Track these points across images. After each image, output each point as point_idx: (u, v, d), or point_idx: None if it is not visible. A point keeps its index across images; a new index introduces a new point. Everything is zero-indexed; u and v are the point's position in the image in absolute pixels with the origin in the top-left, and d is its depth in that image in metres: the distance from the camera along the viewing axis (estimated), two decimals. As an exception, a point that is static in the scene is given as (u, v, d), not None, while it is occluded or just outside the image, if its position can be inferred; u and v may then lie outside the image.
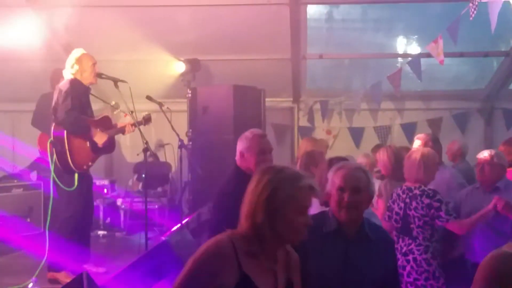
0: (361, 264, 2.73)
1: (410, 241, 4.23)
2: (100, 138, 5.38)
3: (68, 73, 5.39)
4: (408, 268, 4.16)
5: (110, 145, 5.61)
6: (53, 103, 5.33)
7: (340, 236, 2.79)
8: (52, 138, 5.17)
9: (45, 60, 7.16)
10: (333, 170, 2.85)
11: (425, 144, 5.11)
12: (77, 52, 5.48)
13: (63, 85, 5.31)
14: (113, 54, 7.52)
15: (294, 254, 2.31)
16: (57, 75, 5.76)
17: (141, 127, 5.70)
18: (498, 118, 8.79)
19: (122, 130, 5.66)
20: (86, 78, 5.42)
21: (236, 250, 2.07)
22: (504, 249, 1.82)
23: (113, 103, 5.87)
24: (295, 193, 2.09)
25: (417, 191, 4.24)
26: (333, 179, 2.80)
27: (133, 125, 5.54)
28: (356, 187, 2.75)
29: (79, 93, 5.29)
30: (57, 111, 5.22)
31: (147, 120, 5.70)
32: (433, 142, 5.20)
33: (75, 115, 5.16)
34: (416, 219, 4.19)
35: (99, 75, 5.57)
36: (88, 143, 5.34)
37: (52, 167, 5.18)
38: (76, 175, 5.20)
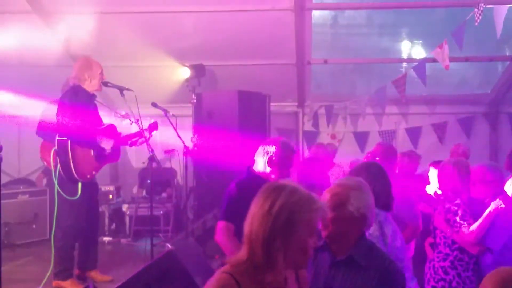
0: (342, 286, 2.65)
1: (435, 247, 4.25)
2: (106, 145, 5.38)
3: (75, 80, 5.39)
4: (428, 275, 4.17)
5: (115, 154, 5.60)
6: (57, 114, 5.33)
7: (328, 254, 2.74)
8: (56, 147, 5.15)
9: (50, 66, 7.18)
10: None
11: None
12: (86, 59, 5.50)
13: (65, 94, 5.32)
14: (119, 61, 7.54)
15: (302, 270, 2.27)
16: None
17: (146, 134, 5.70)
18: (504, 123, 8.77)
19: (130, 142, 5.63)
20: (94, 85, 5.43)
21: (240, 286, 1.99)
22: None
23: (123, 113, 5.83)
24: (310, 216, 2.04)
25: (442, 197, 4.30)
26: None
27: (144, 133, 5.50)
28: (330, 204, 2.67)
29: (81, 101, 5.28)
30: (61, 123, 5.21)
31: (152, 128, 5.67)
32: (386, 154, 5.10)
33: (79, 127, 5.14)
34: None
35: (105, 84, 5.57)
36: (92, 152, 5.32)
37: (55, 176, 5.16)
38: (79, 185, 5.18)
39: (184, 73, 7.84)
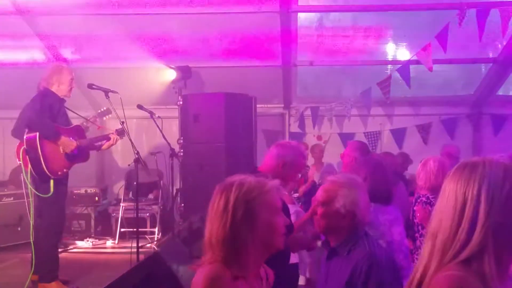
0: (333, 276, 2.81)
1: (415, 250, 4.26)
2: (67, 146, 5.36)
3: (44, 82, 5.41)
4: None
5: (84, 155, 5.61)
6: (26, 111, 5.33)
7: (327, 246, 2.92)
8: (25, 146, 5.13)
9: (34, 68, 7.14)
10: None
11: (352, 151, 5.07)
12: (58, 64, 5.52)
13: (35, 96, 5.32)
14: (104, 62, 7.53)
15: (269, 270, 2.27)
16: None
17: (132, 135, 5.73)
18: (486, 124, 8.86)
19: (97, 144, 5.69)
20: (62, 90, 5.43)
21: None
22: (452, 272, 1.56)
23: (104, 108, 5.90)
24: (265, 198, 2.07)
25: (423, 199, 4.25)
26: None
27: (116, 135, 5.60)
28: (319, 199, 2.88)
29: (49, 101, 5.28)
30: (28, 117, 5.20)
31: (120, 133, 5.71)
32: (361, 151, 5.11)
33: (42, 117, 5.14)
34: (420, 227, 4.23)
35: (90, 86, 5.58)
36: (61, 149, 5.31)
37: (26, 176, 5.13)
38: (51, 182, 5.17)
39: (170, 75, 7.83)
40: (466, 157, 1.86)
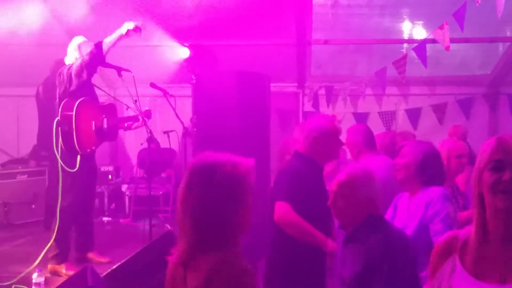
0: (349, 260, 2.83)
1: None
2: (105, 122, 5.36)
3: (69, 60, 5.39)
4: None
5: (113, 133, 5.59)
6: (57, 89, 5.30)
7: (344, 233, 2.95)
8: (59, 117, 5.12)
9: (47, 45, 7.12)
10: None
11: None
12: (77, 40, 5.47)
13: (65, 68, 5.28)
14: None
15: None
16: (58, 65, 5.73)
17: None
18: (503, 104, 8.74)
19: (126, 124, 5.67)
20: None
21: None
22: None
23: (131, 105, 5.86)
24: None
25: None
26: None
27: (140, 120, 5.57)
28: (338, 191, 2.88)
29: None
30: (69, 86, 5.18)
31: (146, 115, 5.68)
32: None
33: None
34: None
35: (103, 64, 5.54)
36: (93, 126, 5.28)
37: (56, 149, 5.10)
38: (78, 157, 5.14)
39: (183, 53, 7.78)
40: (481, 138, 1.82)
